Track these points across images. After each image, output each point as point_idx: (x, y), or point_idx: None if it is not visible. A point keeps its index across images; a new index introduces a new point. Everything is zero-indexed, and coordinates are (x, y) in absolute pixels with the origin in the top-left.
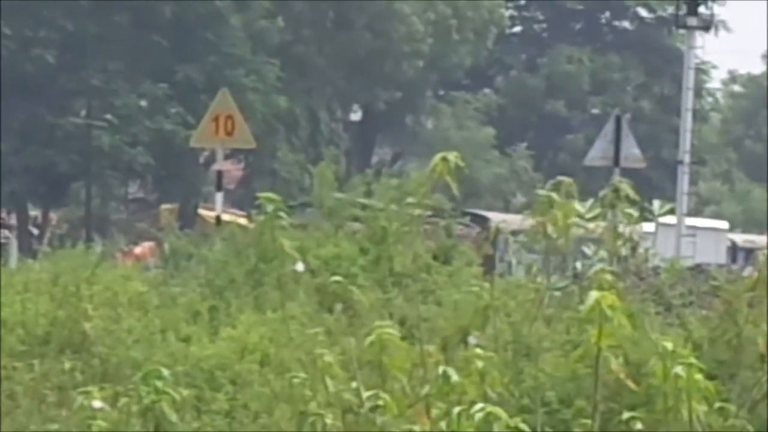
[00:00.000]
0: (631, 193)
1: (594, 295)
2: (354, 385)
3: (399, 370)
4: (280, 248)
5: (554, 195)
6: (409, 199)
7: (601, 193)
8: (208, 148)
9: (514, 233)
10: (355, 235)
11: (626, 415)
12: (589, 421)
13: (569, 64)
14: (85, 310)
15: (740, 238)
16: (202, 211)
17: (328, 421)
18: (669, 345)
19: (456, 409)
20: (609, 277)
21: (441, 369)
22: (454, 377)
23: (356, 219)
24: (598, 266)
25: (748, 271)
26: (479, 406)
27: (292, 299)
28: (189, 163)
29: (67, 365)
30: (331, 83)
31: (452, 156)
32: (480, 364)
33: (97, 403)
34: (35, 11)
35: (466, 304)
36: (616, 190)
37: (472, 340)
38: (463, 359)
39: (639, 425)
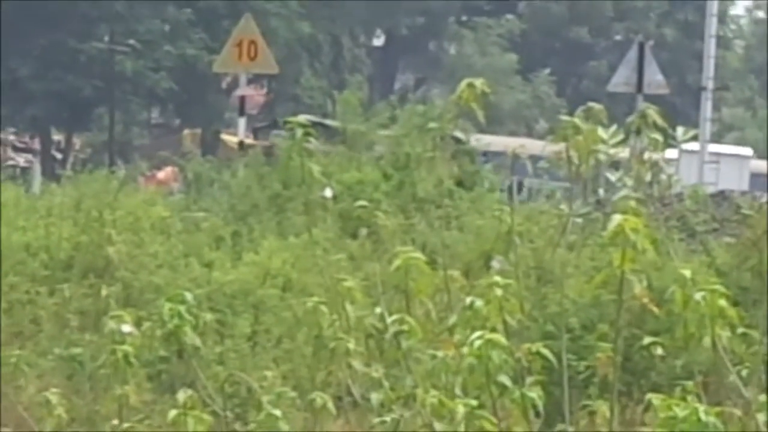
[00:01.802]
0: (659, 120)
1: (617, 218)
2: (377, 310)
3: (423, 295)
4: (308, 173)
5: (578, 121)
6: (432, 124)
7: (628, 119)
8: (231, 74)
9: (534, 158)
10: (379, 160)
11: (647, 340)
12: (611, 346)
13: None
14: (108, 234)
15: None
16: (224, 137)
17: (350, 345)
18: (688, 272)
19: (477, 335)
20: (634, 203)
21: (467, 298)
22: (479, 304)
23: (380, 143)
24: (623, 192)
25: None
26: (477, 333)
27: (317, 225)
28: (211, 88)
29: (103, 292)
30: (354, 9)
31: (479, 83)
32: (499, 291)
33: (125, 327)
34: None
35: (489, 230)
36: (644, 116)
37: (495, 264)
38: (486, 286)
39: (660, 351)
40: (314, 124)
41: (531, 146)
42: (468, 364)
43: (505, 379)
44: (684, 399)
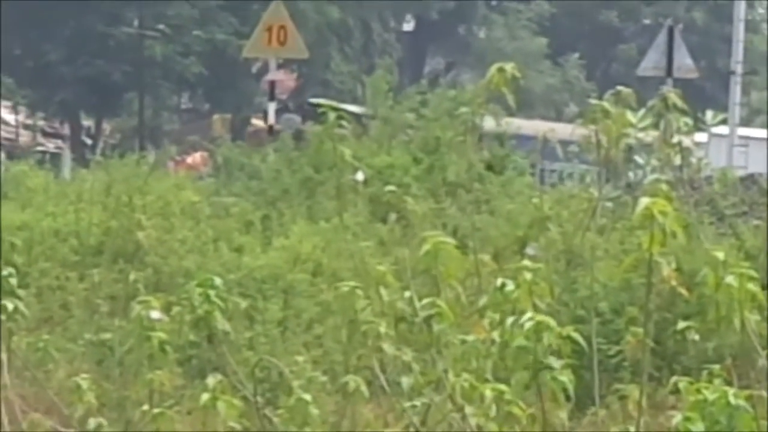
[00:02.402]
0: (680, 103)
1: (645, 200)
2: (407, 294)
3: (453, 280)
4: (340, 157)
5: (607, 105)
6: (463, 109)
7: (649, 103)
8: (261, 58)
9: (564, 143)
10: (409, 144)
11: (681, 325)
12: (641, 330)
13: None
14: (138, 219)
15: None
16: (255, 121)
17: (381, 329)
18: (720, 254)
19: (510, 319)
20: (665, 186)
21: (499, 281)
22: (509, 287)
23: (410, 127)
24: (653, 176)
25: None
26: (528, 315)
27: (347, 210)
28: (241, 73)
29: (132, 276)
30: None
31: (509, 67)
32: (528, 275)
33: (155, 314)
34: None
35: (519, 214)
36: (665, 99)
37: (530, 250)
38: (516, 270)
39: (693, 335)
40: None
41: (561, 130)
42: (516, 346)
43: (554, 362)
44: (711, 382)
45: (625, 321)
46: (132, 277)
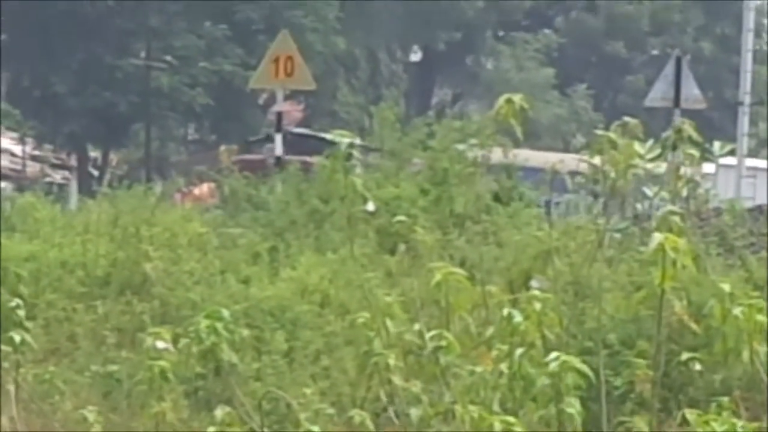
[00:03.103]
0: (694, 134)
1: (658, 236)
2: (416, 326)
3: (462, 311)
4: (351, 187)
5: (614, 135)
6: (473, 141)
7: (664, 134)
8: (268, 90)
9: (572, 173)
10: (416, 175)
11: (686, 356)
12: (650, 362)
13: (629, 4)
14: (145, 251)
15: None
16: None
17: (391, 361)
18: (727, 286)
19: (519, 351)
20: (677, 219)
21: (506, 311)
22: (518, 318)
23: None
24: (666, 208)
25: None
26: (554, 355)
27: (354, 241)
28: (248, 104)
29: (138, 308)
30: (391, 24)
31: (517, 98)
32: (538, 306)
33: (160, 344)
34: None
35: (527, 246)
36: (679, 131)
37: (535, 283)
38: (524, 301)
39: (698, 366)
40: (308, 137)
41: (569, 162)
42: (541, 384)
43: (575, 402)
44: (720, 414)
45: (634, 353)
46: (138, 308)
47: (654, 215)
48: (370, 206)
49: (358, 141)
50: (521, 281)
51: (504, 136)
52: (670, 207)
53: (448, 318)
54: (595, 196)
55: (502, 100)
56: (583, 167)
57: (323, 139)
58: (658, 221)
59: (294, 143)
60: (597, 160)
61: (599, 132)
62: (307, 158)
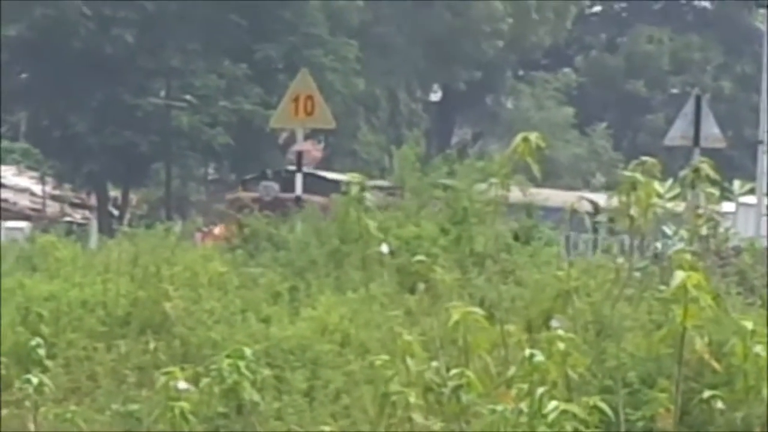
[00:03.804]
0: (712, 174)
1: (680, 275)
2: (435, 364)
3: (482, 350)
4: (365, 229)
5: (637, 175)
6: (493, 180)
7: (682, 173)
8: (288, 129)
9: (593, 213)
10: (437, 215)
11: (707, 393)
12: (669, 398)
13: (649, 43)
14: (165, 290)
15: None
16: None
17: (411, 399)
18: (749, 324)
19: (540, 390)
20: (689, 256)
21: (527, 351)
22: (539, 358)
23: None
24: (678, 245)
25: None
26: (553, 404)
27: (374, 280)
28: (268, 143)
29: (152, 345)
30: (411, 63)
31: (533, 136)
32: (562, 345)
33: (182, 384)
34: None
35: (547, 285)
36: (697, 170)
37: (555, 323)
38: (546, 340)
39: (720, 404)
40: (306, 175)
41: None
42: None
43: None
44: None
45: (655, 391)
46: (152, 345)
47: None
48: (384, 248)
49: (373, 182)
50: (541, 321)
51: (523, 174)
52: (681, 245)
53: (467, 357)
54: (614, 234)
55: (518, 138)
56: (604, 206)
57: (319, 177)
58: (672, 259)
59: (289, 181)
60: (616, 199)
61: (621, 172)
62: (304, 196)
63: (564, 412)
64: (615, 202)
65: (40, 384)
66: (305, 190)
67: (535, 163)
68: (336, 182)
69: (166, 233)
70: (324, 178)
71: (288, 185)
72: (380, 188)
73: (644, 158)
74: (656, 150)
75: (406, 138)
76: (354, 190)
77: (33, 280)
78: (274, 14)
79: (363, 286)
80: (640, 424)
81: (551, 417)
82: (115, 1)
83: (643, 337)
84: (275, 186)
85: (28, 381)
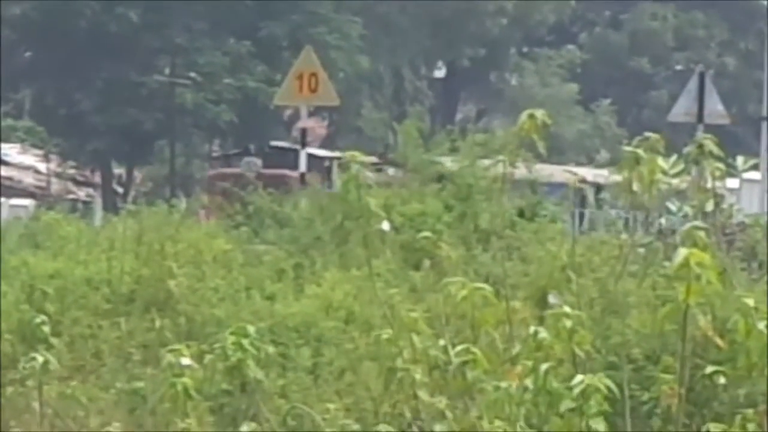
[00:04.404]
0: (716, 149)
1: (683, 252)
2: (441, 341)
3: (488, 326)
4: (366, 207)
5: (640, 151)
6: (500, 157)
7: (686, 149)
8: (292, 106)
9: (594, 187)
10: (440, 191)
11: (710, 369)
12: (674, 377)
13: (653, 20)
14: (169, 268)
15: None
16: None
17: (417, 376)
18: (751, 301)
19: (544, 366)
20: (702, 233)
21: (532, 328)
22: (543, 335)
23: (440, 177)
24: (690, 223)
25: None
26: (578, 378)
27: (378, 257)
28: (272, 120)
29: (156, 323)
30: (415, 41)
31: (539, 113)
32: (569, 322)
33: (185, 361)
34: None
35: (550, 261)
36: (701, 146)
37: (552, 299)
38: (552, 317)
39: (722, 380)
40: (287, 150)
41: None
42: (566, 406)
43: (600, 421)
44: (744, 428)
45: (659, 369)
46: (158, 323)
47: (678, 230)
48: (385, 225)
49: (373, 159)
50: (539, 297)
51: (528, 151)
52: (694, 222)
53: (473, 333)
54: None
55: (524, 115)
56: (604, 181)
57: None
58: (683, 236)
59: (273, 156)
60: (619, 176)
61: (625, 148)
62: (287, 171)
63: (589, 386)
64: (618, 177)
65: (45, 362)
66: (287, 166)
67: (541, 139)
68: (320, 158)
69: (171, 211)
70: (309, 154)
71: (271, 161)
72: (318, 157)
73: (648, 134)
74: (660, 126)
75: (410, 115)
76: (354, 167)
77: (37, 257)
78: None
79: (367, 264)
80: (646, 401)
81: (577, 390)
82: None
83: (648, 313)
84: (258, 161)
85: (33, 359)
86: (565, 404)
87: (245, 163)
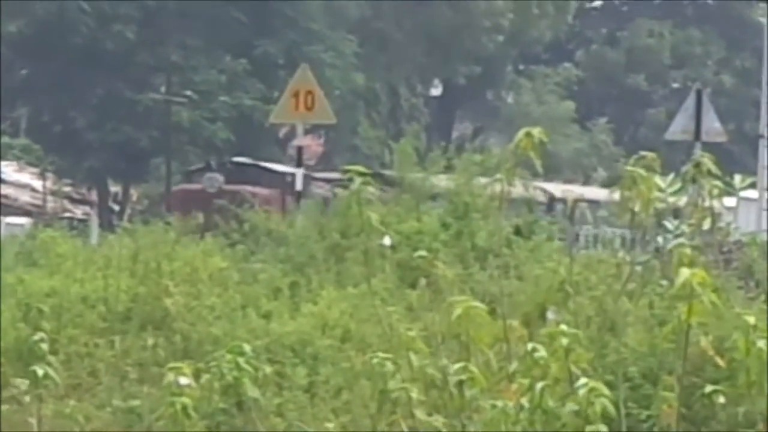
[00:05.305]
0: (713, 168)
1: (685, 272)
2: (443, 360)
3: (483, 345)
4: (367, 222)
5: (639, 171)
6: (498, 176)
7: (683, 168)
8: (288, 124)
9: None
10: (437, 211)
11: (709, 388)
12: (672, 395)
13: (650, 37)
14: (165, 286)
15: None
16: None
17: (413, 395)
18: (751, 319)
19: (539, 384)
20: (688, 250)
21: (529, 345)
22: (540, 353)
23: (434, 196)
24: (678, 240)
25: None
26: (582, 380)
27: (375, 275)
28: (268, 138)
29: (150, 341)
30: (411, 58)
31: (536, 131)
32: (565, 341)
33: (183, 380)
34: None
35: (547, 279)
36: (698, 165)
37: (550, 315)
38: (548, 335)
39: (721, 399)
40: (248, 166)
41: (589, 194)
42: (568, 412)
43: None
44: None
45: (658, 389)
46: (152, 342)
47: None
48: (387, 240)
49: (324, 174)
50: (538, 314)
51: (524, 169)
52: (681, 240)
53: (468, 352)
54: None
55: (521, 133)
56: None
57: (264, 168)
58: (672, 252)
59: (234, 172)
60: (617, 194)
61: (621, 166)
62: (249, 187)
63: (592, 389)
64: (617, 196)
65: (46, 376)
66: (249, 182)
67: (538, 157)
68: (282, 174)
69: (167, 229)
70: (270, 170)
71: (233, 177)
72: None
73: (644, 153)
74: (657, 144)
75: (406, 133)
76: (356, 183)
77: (33, 275)
78: (274, 10)
79: (364, 281)
80: (644, 419)
81: (581, 392)
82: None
83: (645, 332)
84: (219, 177)
85: (34, 373)
86: (569, 406)
87: (207, 179)
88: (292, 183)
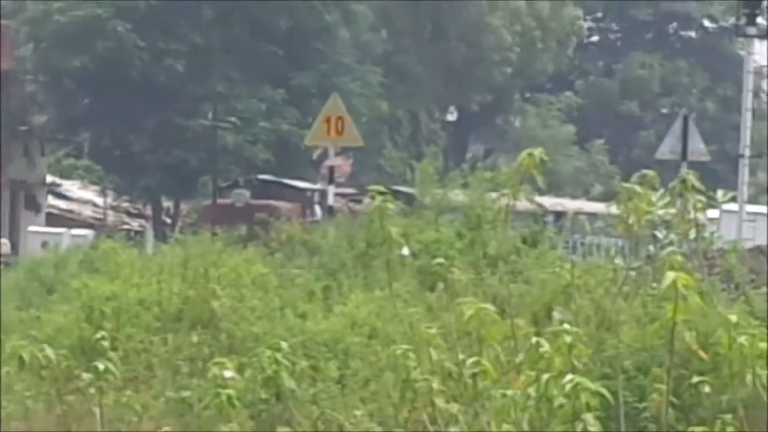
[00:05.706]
0: (698, 184)
1: (671, 275)
2: (460, 356)
3: (494, 341)
4: (388, 235)
5: (636, 187)
6: (505, 191)
7: (671, 184)
8: (321, 146)
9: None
10: (453, 222)
11: (695, 379)
12: (663, 386)
13: (641, 69)
14: (213, 290)
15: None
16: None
17: (434, 386)
18: (734, 317)
19: (545, 376)
20: (679, 258)
21: (534, 339)
22: (544, 347)
23: (451, 210)
24: (670, 249)
25: None
26: (568, 377)
27: (398, 280)
28: (303, 159)
29: (198, 339)
30: (430, 88)
31: (537, 151)
32: (568, 338)
33: (228, 373)
34: (166, 26)
35: (551, 283)
36: (685, 181)
37: (556, 314)
38: (552, 333)
39: (707, 388)
40: (273, 183)
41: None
42: (559, 402)
43: (589, 418)
44: (724, 430)
45: (649, 380)
46: (198, 339)
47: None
48: (405, 251)
49: (338, 190)
50: (544, 313)
51: (530, 185)
52: (673, 248)
53: (481, 347)
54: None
55: (524, 153)
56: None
57: (287, 185)
58: (665, 260)
59: (260, 188)
60: (615, 208)
61: (619, 183)
62: (272, 202)
63: (578, 384)
64: (615, 210)
65: (107, 370)
66: (272, 197)
67: (540, 175)
68: (303, 190)
69: (213, 239)
70: (292, 186)
71: (258, 192)
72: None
73: (645, 171)
74: (648, 163)
75: (426, 153)
76: (378, 199)
77: (96, 281)
78: (307, 45)
79: (388, 286)
80: (638, 408)
81: (568, 387)
82: (167, 35)
83: (638, 329)
84: (246, 193)
85: (96, 368)
86: (557, 401)
87: (235, 195)
88: (311, 198)
